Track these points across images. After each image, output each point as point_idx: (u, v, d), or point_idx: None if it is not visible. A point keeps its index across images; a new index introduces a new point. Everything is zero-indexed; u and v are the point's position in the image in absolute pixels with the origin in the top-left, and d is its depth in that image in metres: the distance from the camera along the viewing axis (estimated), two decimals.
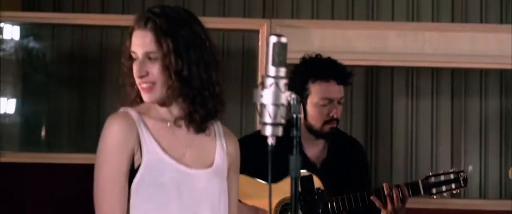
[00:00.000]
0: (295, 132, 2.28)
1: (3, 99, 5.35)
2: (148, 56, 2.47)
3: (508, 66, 4.87)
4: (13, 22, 5.25)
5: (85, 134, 5.76)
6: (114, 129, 2.44)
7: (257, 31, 5.04)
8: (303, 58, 3.78)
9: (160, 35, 2.45)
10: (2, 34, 5.31)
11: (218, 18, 5.53)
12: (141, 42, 2.46)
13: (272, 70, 2.28)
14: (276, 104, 2.28)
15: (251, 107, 5.62)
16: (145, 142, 2.45)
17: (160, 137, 2.49)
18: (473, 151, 5.79)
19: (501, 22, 5.68)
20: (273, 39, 2.29)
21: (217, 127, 2.65)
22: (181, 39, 2.47)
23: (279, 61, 2.29)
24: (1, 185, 5.02)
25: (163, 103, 2.53)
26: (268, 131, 2.29)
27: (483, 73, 5.67)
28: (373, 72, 5.71)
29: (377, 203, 3.62)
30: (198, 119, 2.54)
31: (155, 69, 2.46)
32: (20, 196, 5.08)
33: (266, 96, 2.27)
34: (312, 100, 3.69)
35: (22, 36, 5.47)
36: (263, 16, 5.71)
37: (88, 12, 5.73)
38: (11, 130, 5.52)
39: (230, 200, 2.62)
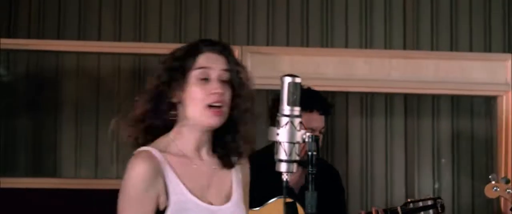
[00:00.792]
0: (310, 169, 2.36)
1: None
2: (221, 78, 2.49)
3: (475, 92, 5.02)
4: None
5: (42, 158, 5.71)
6: (140, 173, 2.40)
7: None
8: None
9: (233, 63, 2.52)
10: None
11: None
12: (216, 62, 2.49)
13: (287, 110, 2.36)
14: (292, 142, 2.36)
15: None
16: (171, 183, 2.43)
17: (184, 175, 2.47)
18: (426, 171, 5.92)
19: (451, 49, 5.84)
20: (288, 79, 2.37)
21: None
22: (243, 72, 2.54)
23: (293, 100, 2.37)
24: None
25: (200, 132, 2.51)
26: (283, 167, 2.37)
27: (435, 97, 5.80)
28: (329, 95, 5.78)
29: None
30: (233, 153, 2.58)
31: (228, 92, 2.50)
32: None
33: (282, 134, 2.35)
34: None
35: None
36: None
37: (44, 37, 5.67)
38: None
39: None
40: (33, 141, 5.75)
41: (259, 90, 2.61)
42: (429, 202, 3.84)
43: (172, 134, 2.53)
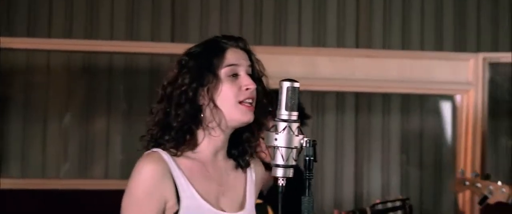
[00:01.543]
0: (308, 174, 2.34)
1: None
2: (248, 73, 2.42)
3: (437, 91, 5.09)
4: None
5: None
6: (146, 174, 2.31)
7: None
8: None
9: (254, 58, 2.46)
10: None
11: (168, 44, 5.59)
12: (242, 57, 2.43)
13: (285, 114, 2.34)
14: (289, 147, 2.34)
15: None
16: (182, 187, 2.34)
17: (195, 178, 2.38)
18: (375, 167, 5.98)
19: (403, 48, 5.91)
20: (286, 84, 2.35)
21: None
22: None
23: (291, 105, 2.34)
24: None
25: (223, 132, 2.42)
26: (279, 172, 2.35)
27: (386, 95, 5.86)
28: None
29: None
30: (250, 151, 2.50)
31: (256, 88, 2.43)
32: None
33: (280, 139, 2.32)
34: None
35: None
36: (172, 40, 5.73)
37: None
38: None
39: None
40: None
41: None
42: (398, 203, 3.87)
43: (190, 137, 2.41)
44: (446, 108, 5.66)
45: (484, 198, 3.87)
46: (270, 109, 2.46)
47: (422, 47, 5.87)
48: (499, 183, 3.83)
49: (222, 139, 2.43)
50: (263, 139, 2.38)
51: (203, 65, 2.38)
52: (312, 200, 2.32)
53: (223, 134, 2.42)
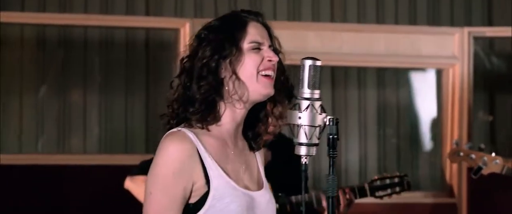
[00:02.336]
0: (331, 152, 2.34)
1: None
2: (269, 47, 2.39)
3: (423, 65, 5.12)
4: None
5: None
6: (173, 154, 2.25)
7: (176, 30, 5.04)
8: None
9: (273, 34, 2.43)
10: None
11: (143, 17, 5.53)
12: (263, 32, 2.39)
13: (307, 93, 2.32)
14: (313, 126, 2.33)
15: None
16: (210, 167, 2.28)
17: (220, 158, 2.32)
18: (353, 140, 6.00)
19: (378, 22, 5.91)
20: (308, 62, 2.33)
21: None
22: None
23: (313, 83, 2.33)
24: None
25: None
26: (303, 151, 2.34)
27: (361, 69, 5.88)
28: None
29: (325, 205, 3.70)
30: (264, 132, 2.46)
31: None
32: None
33: (303, 117, 2.31)
34: None
35: None
36: (147, 14, 5.68)
37: None
38: None
39: None
40: None
41: None
42: (396, 180, 3.89)
43: (214, 110, 2.36)
44: (423, 81, 5.72)
45: (479, 169, 3.90)
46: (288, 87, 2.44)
47: (396, 21, 5.91)
48: (493, 154, 3.87)
49: (243, 112, 2.38)
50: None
51: (224, 37, 2.33)
52: (336, 179, 2.31)
53: (244, 107, 2.37)
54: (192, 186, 2.28)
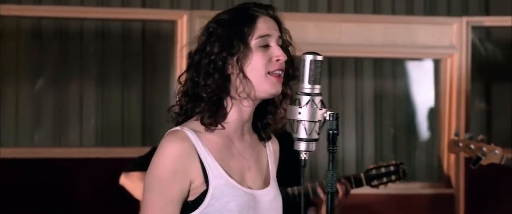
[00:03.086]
0: (331, 147, 2.31)
1: None
2: (278, 44, 2.34)
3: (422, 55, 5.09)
4: None
5: None
6: (171, 153, 2.23)
7: (173, 22, 5.02)
8: None
9: (284, 28, 2.39)
10: None
11: (140, 9, 5.48)
12: (274, 27, 2.34)
13: (308, 88, 2.29)
14: (313, 121, 2.30)
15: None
16: (209, 166, 2.26)
17: (221, 155, 2.30)
18: (350, 129, 5.97)
19: (374, 11, 5.80)
20: (309, 57, 2.29)
21: None
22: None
23: (314, 78, 2.29)
24: None
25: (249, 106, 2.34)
26: (302, 146, 2.31)
27: (359, 59, 5.83)
28: None
29: (323, 197, 3.69)
30: (274, 124, 2.42)
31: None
32: None
33: (303, 113, 2.28)
34: None
35: None
36: (143, 5, 5.65)
37: None
38: None
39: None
40: None
41: None
42: (392, 168, 3.86)
43: (220, 108, 2.32)
44: (420, 71, 5.69)
45: (478, 160, 3.89)
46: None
47: (393, 11, 5.88)
48: (492, 144, 3.86)
49: (250, 110, 2.35)
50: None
51: (233, 33, 2.29)
52: (335, 174, 2.29)
53: (251, 104, 2.34)
54: (190, 184, 2.26)
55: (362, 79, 5.89)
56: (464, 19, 4.95)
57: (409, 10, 5.81)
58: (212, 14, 2.41)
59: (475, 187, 4.97)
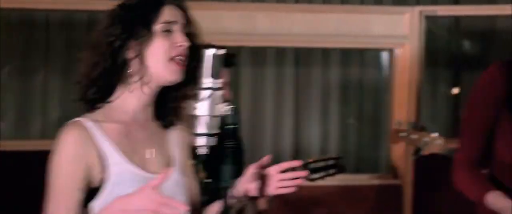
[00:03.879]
0: (231, 143, 2.30)
1: None
2: (183, 32, 2.35)
3: (374, 45, 5.06)
4: None
5: None
6: (69, 141, 2.24)
7: None
8: None
9: (190, 18, 2.39)
10: None
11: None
12: (178, 15, 2.35)
13: (209, 82, 2.27)
14: (214, 116, 2.29)
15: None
16: (107, 153, 2.28)
17: (121, 143, 2.31)
18: (315, 119, 5.94)
19: (342, 2, 5.84)
20: (211, 51, 2.28)
21: None
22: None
23: (216, 72, 2.28)
24: None
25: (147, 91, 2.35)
26: (202, 141, 2.29)
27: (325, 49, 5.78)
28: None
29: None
30: (176, 112, 2.43)
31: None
32: None
33: (203, 107, 2.27)
34: None
35: None
36: None
37: None
38: None
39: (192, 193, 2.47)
40: None
41: None
42: (330, 162, 3.82)
43: (116, 96, 2.35)
44: (384, 61, 5.66)
45: (418, 150, 3.85)
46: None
47: (362, 2, 5.86)
48: (435, 134, 3.81)
49: (148, 96, 2.35)
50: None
51: (136, 18, 2.30)
52: (230, 169, 2.28)
53: (153, 90, 2.34)
54: (91, 171, 2.27)
55: (328, 69, 5.87)
56: (417, 8, 4.89)
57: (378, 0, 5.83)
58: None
59: (423, 178, 4.93)
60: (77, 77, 2.36)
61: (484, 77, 2.72)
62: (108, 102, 2.34)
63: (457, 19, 5.58)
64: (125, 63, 2.30)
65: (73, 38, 5.63)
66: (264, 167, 2.64)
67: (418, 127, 3.94)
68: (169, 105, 2.42)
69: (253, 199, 2.63)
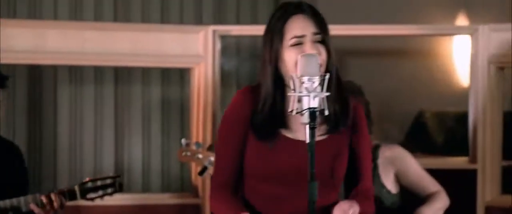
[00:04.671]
0: None
1: None
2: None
3: (170, 65, 5.04)
4: None
5: None
6: None
7: None
8: None
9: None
10: None
11: None
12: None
13: None
14: None
15: None
16: None
17: None
18: (136, 138, 5.86)
19: (162, 21, 5.83)
20: None
21: None
22: None
23: None
24: None
25: None
26: None
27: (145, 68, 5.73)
28: (36, 68, 5.59)
29: (36, 211, 3.61)
30: None
31: None
32: None
33: None
34: None
35: None
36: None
37: None
38: None
39: None
40: None
41: None
42: (108, 181, 3.83)
43: None
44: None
45: (204, 169, 3.86)
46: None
47: (181, 20, 5.87)
48: None
49: None
50: None
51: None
52: None
53: None
54: None
55: (149, 87, 5.83)
56: (211, 28, 4.88)
57: (199, 19, 5.87)
58: None
59: None
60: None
61: (233, 101, 2.72)
62: None
63: (254, 39, 5.66)
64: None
65: None
66: None
67: (206, 146, 3.96)
68: None
69: None
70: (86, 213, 4.62)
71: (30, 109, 5.62)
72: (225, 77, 5.30)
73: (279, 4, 2.69)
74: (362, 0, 6.13)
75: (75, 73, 5.66)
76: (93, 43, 4.69)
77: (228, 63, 5.72)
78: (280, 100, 2.63)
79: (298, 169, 2.58)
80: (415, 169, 3.70)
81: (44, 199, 3.57)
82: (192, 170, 4.86)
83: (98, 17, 5.72)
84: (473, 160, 4.84)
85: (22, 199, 3.59)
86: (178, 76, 5.80)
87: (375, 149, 3.67)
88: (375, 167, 3.65)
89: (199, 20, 5.92)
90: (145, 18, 5.79)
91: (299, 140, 2.62)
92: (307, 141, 2.40)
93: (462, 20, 6.16)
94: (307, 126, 2.40)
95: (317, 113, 2.43)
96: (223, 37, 4.90)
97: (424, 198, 3.67)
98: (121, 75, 5.77)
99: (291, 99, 2.44)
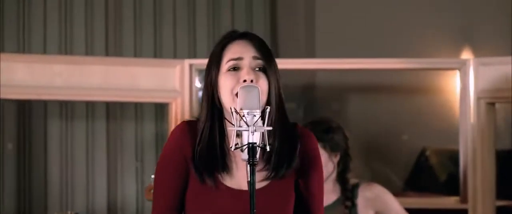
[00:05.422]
0: None
1: None
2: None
3: (145, 99, 4.90)
4: None
5: None
6: None
7: None
8: None
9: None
10: None
11: None
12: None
13: None
14: None
15: None
16: None
17: None
18: (129, 174, 5.76)
19: (155, 55, 5.77)
20: None
21: None
22: None
23: None
24: None
25: None
26: None
27: (139, 103, 5.64)
28: (26, 103, 5.52)
29: None
30: None
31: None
32: None
33: None
34: None
35: None
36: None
37: None
38: None
39: None
40: None
41: None
42: None
43: None
44: None
45: None
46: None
47: (175, 55, 5.78)
48: None
49: None
50: None
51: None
52: None
53: None
54: None
55: (142, 123, 5.74)
56: (187, 61, 4.71)
57: (192, 53, 5.81)
58: None
59: None
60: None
61: (169, 138, 2.54)
62: None
63: None
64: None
65: None
66: None
67: None
68: None
69: None
70: None
71: (19, 145, 5.51)
72: None
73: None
74: (359, 35, 5.95)
75: (66, 110, 5.56)
76: (62, 77, 4.53)
77: None
78: (219, 135, 2.42)
79: None
80: (396, 208, 3.53)
81: None
82: None
83: (89, 51, 5.63)
84: (464, 200, 4.60)
85: None
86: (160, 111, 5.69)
87: (355, 188, 3.51)
88: (353, 206, 3.47)
89: (173, 54, 5.87)
90: (137, 52, 5.72)
91: (242, 190, 2.39)
92: (247, 178, 2.22)
93: (466, 55, 5.96)
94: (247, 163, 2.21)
95: (258, 149, 2.23)
96: (200, 71, 4.73)
97: None
98: (113, 113, 5.65)
99: (230, 134, 2.23)
